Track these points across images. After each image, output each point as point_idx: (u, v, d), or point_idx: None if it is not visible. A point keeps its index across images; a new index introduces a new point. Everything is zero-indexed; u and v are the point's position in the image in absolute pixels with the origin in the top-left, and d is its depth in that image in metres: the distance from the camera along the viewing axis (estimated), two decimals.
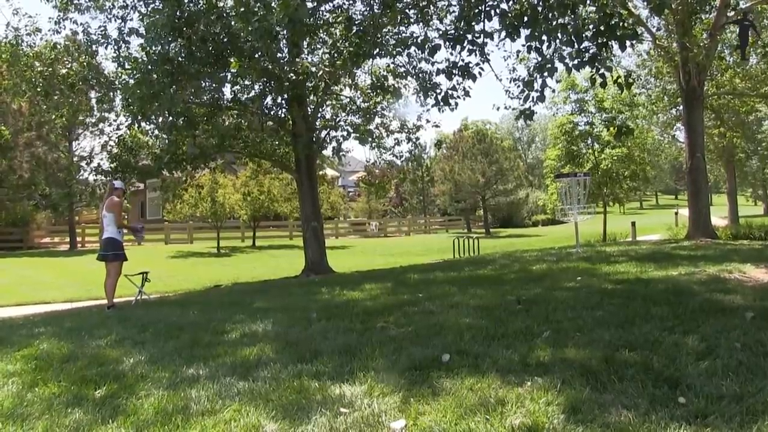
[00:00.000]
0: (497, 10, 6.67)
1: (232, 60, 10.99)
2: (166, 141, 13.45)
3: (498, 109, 33.29)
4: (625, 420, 2.75)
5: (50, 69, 12.52)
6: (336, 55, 12.27)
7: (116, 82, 12.69)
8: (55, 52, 12.75)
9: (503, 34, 6.65)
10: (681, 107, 18.43)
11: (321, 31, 12.93)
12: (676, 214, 30.69)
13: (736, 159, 31.43)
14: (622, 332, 4.21)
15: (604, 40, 6.18)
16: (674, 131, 28.84)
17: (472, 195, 41.16)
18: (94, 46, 12.76)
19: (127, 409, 3.40)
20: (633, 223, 23.90)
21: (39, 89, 12.65)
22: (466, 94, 8.96)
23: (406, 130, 15.55)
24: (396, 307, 5.90)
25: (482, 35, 6.88)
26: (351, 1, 13.04)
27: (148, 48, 11.50)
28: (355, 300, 6.85)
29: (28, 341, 5.59)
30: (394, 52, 11.41)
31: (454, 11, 11.18)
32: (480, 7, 6.81)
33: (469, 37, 6.93)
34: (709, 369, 3.36)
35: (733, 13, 15.71)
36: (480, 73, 7.57)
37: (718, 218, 25.93)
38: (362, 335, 4.75)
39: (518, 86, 9.72)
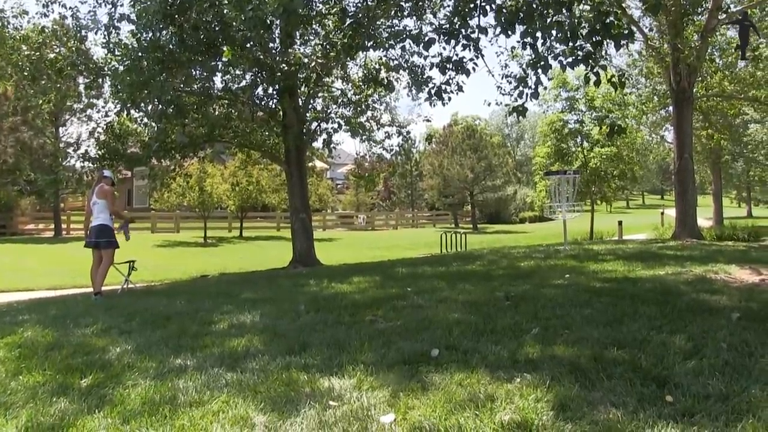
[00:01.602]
0: (492, 6, 6.65)
1: (224, 49, 10.88)
2: (155, 129, 13.31)
3: (489, 104, 33.64)
4: (614, 418, 2.76)
5: (37, 53, 12.30)
6: (329, 46, 12.19)
7: (105, 69, 12.51)
8: (42, 36, 12.54)
9: (498, 29, 6.64)
10: (670, 108, 18.56)
11: (314, 22, 12.84)
12: (662, 214, 30.93)
13: (723, 161, 31.74)
14: (611, 330, 4.24)
15: (599, 38, 6.19)
16: (663, 131, 29.10)
17: (460, 190, 41.26)
18: (83, 31, 12.56)
19: (113, 399, 3.36)
20: (620, 222, 24.07)
21: (26, 73, 12.44)
22: (459, 88, 8.93)
23: (397, 124, 15.55)
24: (385, 301, 5.90)
25: (477, 30, 6.86)
26: None
27: (138, 34, 11.35)
28: (343, 293, 6.84)
29: (12, 329, 5.52)
30: (388, 45, 11.36)
31: (448, 5, 11.15)
32: (475, 2, 6.79)
33: (464, 32, 6.90)
34: (696, 368, 3.39)
35: (724, 16, 15.82)
36: (474, 68, 7.58)
37: (703, 219, 26.19)
38: (351, 328, 4.74)
39: (510, 82, 9.75)
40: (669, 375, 3.28)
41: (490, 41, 11.63)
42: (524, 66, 7.33)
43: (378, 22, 11.73)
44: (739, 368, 3.38)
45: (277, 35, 12.57)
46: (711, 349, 3.73)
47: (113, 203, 8.72)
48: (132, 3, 11.90)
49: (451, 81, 8.84)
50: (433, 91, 8.39)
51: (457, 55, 7.43)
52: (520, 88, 7.28)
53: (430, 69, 8.14)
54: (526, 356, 3.74)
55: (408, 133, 15.52)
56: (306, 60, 11.97)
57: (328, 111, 14.93)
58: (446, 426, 2.77)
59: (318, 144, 15.64)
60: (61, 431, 2.96)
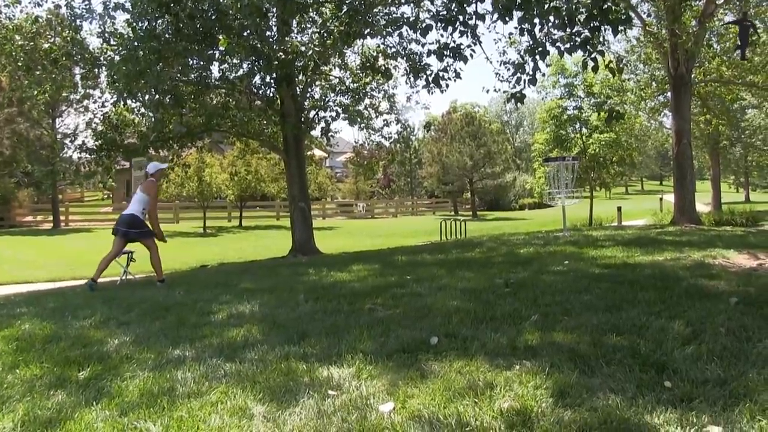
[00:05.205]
0: None
1: (220, 37, 10.78)
2: (153, 119, 13.24)
3: (488, 91, 33.32)
4: (613, 404, 2.76)
5: (32, 43, 12.17)
6: (326, 34, 12.10)
7: (101, 59, 12.41)
8: (36, 25, 12.40)
9: (495, 15, 6.58)
10: (669, 93, 18.49)
11: (311, 10, 12.74)
12: (661, 199, 30.91)
13: (721, 146, 31.69)
14: (610, 316, 4.24)
15: (597, 24, 6.13)
16: (661, 117, 29.01)
17: (459, 177, 41.17)
18: (78, 21, 12.43)
19: (111, 391, 3.35)
20: (619, 208, 24.04)
21: (20, 64, 12.32)
22: (457, 75, 8.87)
23: (395, 112, 15.51)
24: (384, 289, 5.89)
25: (474, 17, 6.79)
26: None
27: (134, 24, 11.24)
28: (342, 281, 6.84)
29: (9, 321, 5.50)
30: (385, 32, 11.27)
31: None
32: None
33: (461, 18, 6.83)
34: (694, 353, 3.39)
35: (722, 1, 15.72)
36: (471, 55, 7.51)
37: (702, 204, 26.16)
38: (350, 317, 4.74)
39: (508, 69, 9.69)
40: (668, 360, 3.27)
41: (487, 28, 11.47)
42: (522, 52, 7.27)
43: (375, 9, 11.64)
44: (737, 353, 3.38)
45: (273, 23, 12.47)
46: (709, 334, 3.73)
47: (153, 204, 8.33)
48: None
49: (448, 68, 8.79)
50: (430, 78, 8.33)
51: (454, 41, 7.34)
52: (518, 75, 7.21)
53: (428, 56, 8.07)
54: (526, 343, 3.74)
55: (407, 120, 15.49)
56: (303, 48, 11.89)
57: (326, 99, 14.86)
58: (445, 414, 2.76)
59: (316, 132, 15.57)
60: (59, 424, 2.95)
